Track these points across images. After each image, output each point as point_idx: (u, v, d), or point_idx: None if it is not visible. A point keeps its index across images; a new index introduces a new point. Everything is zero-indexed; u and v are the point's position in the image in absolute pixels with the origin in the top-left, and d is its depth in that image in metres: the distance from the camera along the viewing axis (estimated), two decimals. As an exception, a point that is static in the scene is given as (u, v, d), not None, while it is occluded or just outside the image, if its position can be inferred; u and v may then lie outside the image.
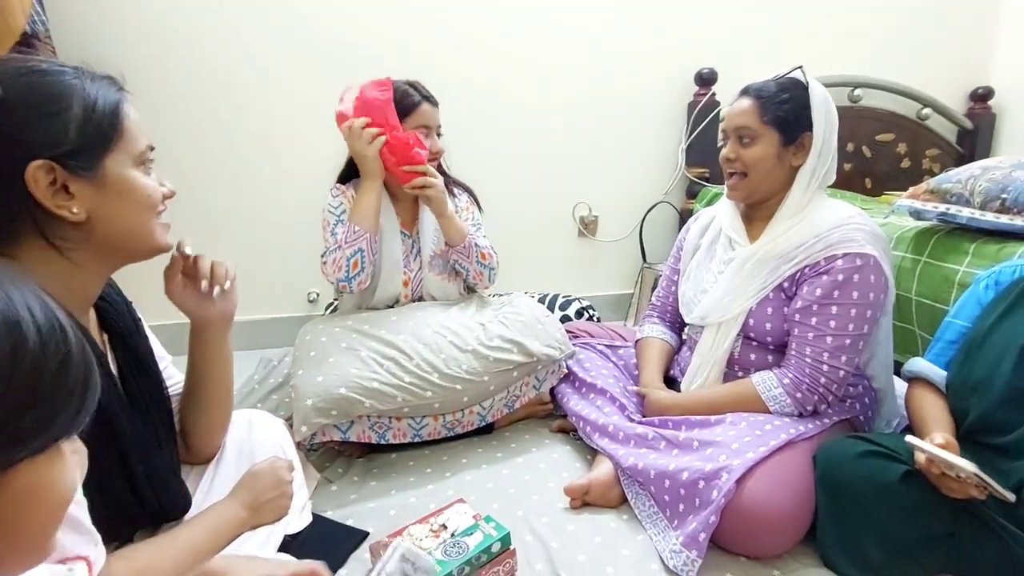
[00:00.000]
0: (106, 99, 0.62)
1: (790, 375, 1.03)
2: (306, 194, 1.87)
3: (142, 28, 1.68)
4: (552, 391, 1.39)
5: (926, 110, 2.36)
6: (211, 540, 0.73)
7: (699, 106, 2.13)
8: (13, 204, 0.58)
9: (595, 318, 1.69)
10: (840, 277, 1.00)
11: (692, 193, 2.23)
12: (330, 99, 1.81)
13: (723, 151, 1.14)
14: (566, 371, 1.38)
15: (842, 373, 1.01)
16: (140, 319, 0.79)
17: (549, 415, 1.43)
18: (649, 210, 2.27)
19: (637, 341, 1.38)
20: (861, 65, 2.28)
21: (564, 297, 1.71)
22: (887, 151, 2.38)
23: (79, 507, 0.52)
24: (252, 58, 1.78)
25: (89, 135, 0.60)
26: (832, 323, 1.00)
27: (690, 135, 2.18)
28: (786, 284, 1.07)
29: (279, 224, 1.92)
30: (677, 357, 1.34)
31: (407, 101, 1.33)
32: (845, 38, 2.30)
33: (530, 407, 1.40)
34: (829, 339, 1.00)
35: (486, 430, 1.35)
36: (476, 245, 1.39)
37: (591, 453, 1.21)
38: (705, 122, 2.14)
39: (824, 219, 1.05)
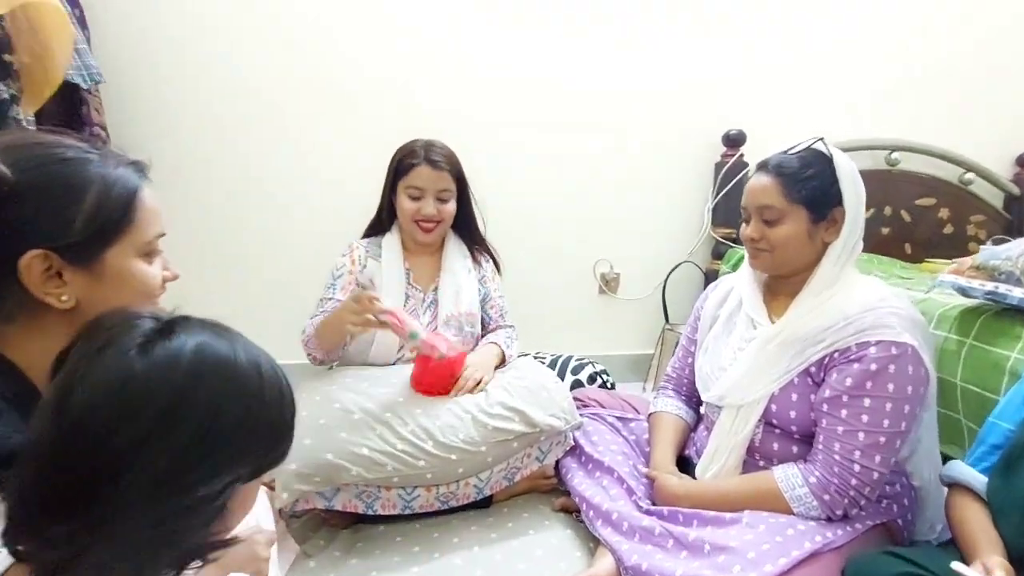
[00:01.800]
0: (122, 190, 0.61)
1: (817, 473, 0.92)
2: (321, 244, 1.87)
3: (189, 75, 1.75)
4: (557, 464, 1.30)
5: (969, 174, 2.25)
6: None
7: (726, 167, 2.08)
8: (1, 287, 0.56)
9: (609, 384, 1.60)
10: (873, 367, 0.90)
11: (718, 254, 2.15)
12: (354, 147, 1.87)
13: (746, 230, 1.06)
14: (572, 443, 1.29)
15: (876, 475, 0.90)
16: None
17: (553, 490, 1.33)
18: (673, 269, 2.20)
19: (650, 415, 1.29)
20: (899, 127, 2.20)
21: (577, 360, 1.63)
22: (928, 216, 2.26)
23: None
24: (289, 102, 1.83)
25: (96, 229, 0.59)
26: (865, 417, 0.90)
27: (717, 195, 2.12)
28: (813, 369, 0.97)
29: (292, 270, 1.92)
30: (693, 435, 1.24)
31: (406, 161, 1.34)
32: (881, 100, 2.23)
33: (532, 480, 1.31)
34: (861, 435, 0.90)
35: (483, 503, 1.26)
36: (510, 356, 1.41)
37: (594, 540, 1.11)
38: (732, 183, 2.08)
39: (854, 300, 0.96)
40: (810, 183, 0.98)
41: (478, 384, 1.25)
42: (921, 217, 2.26)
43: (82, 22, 1.61)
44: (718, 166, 2.13)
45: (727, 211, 2.12)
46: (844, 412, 0.91)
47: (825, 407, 0.94)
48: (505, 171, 2.00)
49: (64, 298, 0.58)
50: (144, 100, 1.74)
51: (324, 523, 1.19)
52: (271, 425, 0.52)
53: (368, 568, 1.05)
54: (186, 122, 1.77)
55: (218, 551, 0.50)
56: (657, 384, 2.06)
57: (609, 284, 2.20)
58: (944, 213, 2.26)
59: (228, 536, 0.53)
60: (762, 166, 1.04)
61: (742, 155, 2.09)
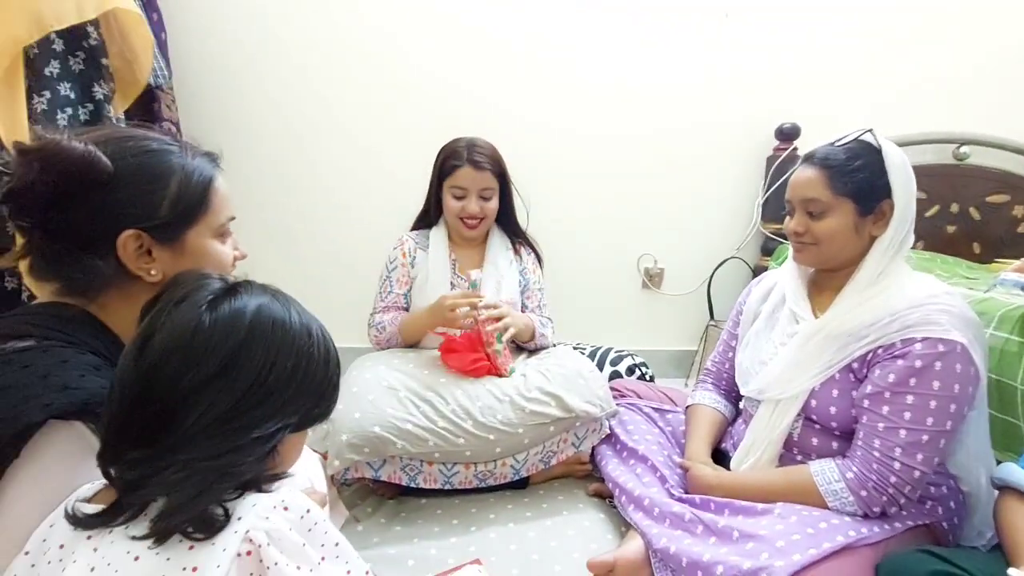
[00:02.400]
0: (200, 178, 0.70)
1: (854, 468, 0.91)
2: (375, 231, 1.97)
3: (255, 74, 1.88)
4: (592, 451, 1.33)
5: (1050, 171, 2.10)
6: None
7: (778, 161, 2.03)
8: (101, 262, 0.65)
9: (647, 376, 1.61)
10: (918, 363, 0.88)
11: (768, 250, 2.11)
12: (405, 142, 1.94)
13: (790, 223, 1.05)
14: (608, 431, 1.31)
15: (917, 474, 0.88)
16: None
17: (588, 475, 1.36)
18: (719, 265, 2.17)
19: (687, 407, 1.29)
20: (968, 120, 2.07)
21: (617, 352, 1.64)
22: (1000, 214, 2.13)
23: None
24: (344, 101, 1.92)
25: (179, 211, 0.67)
26: (907, 414, 0.88)
27: (768, 190, 2.07)
28: (855, 365, 0.96)
29: (348, 255, 2.02)
30: (731, 429, 1.24)
31: (449, 163, 1.39)
32: (948, 90, 2.11)
33: (568, 465, 1.35)
34: (903, 432, 0.88)
35: (520, 484, 1.31)
36: (542, 336, 1.46)
37: (625, 525, 1.13)
38: (784, 177, 2.02)
39: (902, 295, 0.94)
40: (857, 175, 0.96)
41: (499, 319, 1.30)
42: (992, 215, 2.13)
43: (160, 25, 1.75)
44: (770, 160, 2.08)
45: (778, 206, 2.06)
46: (886, 408, 0.90)
47: (866, 403, 0.92)
48: (551, 163, 2.02)
49: (153, 272, 0.67)
50: (213, 98, 1.87)
51: (371, 493, 1.26)
52: (318, 381, 0.59)
53: (411, 535, 1.12)
54: (251, 118, 1.89)
55: (271, 483, 0.57)
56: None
57: (653, 279, 2.20)
58: (1019, 211, 2.11)
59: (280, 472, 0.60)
60: (807, 158, 1.03)
61: (795, 149, 2.03)
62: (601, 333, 2.09)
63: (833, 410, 0.97)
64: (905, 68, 2.08)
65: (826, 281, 1.06)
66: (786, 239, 2.02)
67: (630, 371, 1.58)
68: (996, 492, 0.88)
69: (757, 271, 2.13)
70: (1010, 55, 2.10)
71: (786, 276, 1.15)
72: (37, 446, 0.54)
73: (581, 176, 2.07)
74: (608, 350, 1.64)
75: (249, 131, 1.90)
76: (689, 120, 2.07)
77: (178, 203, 0.67)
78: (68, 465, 0.55)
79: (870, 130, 0.99)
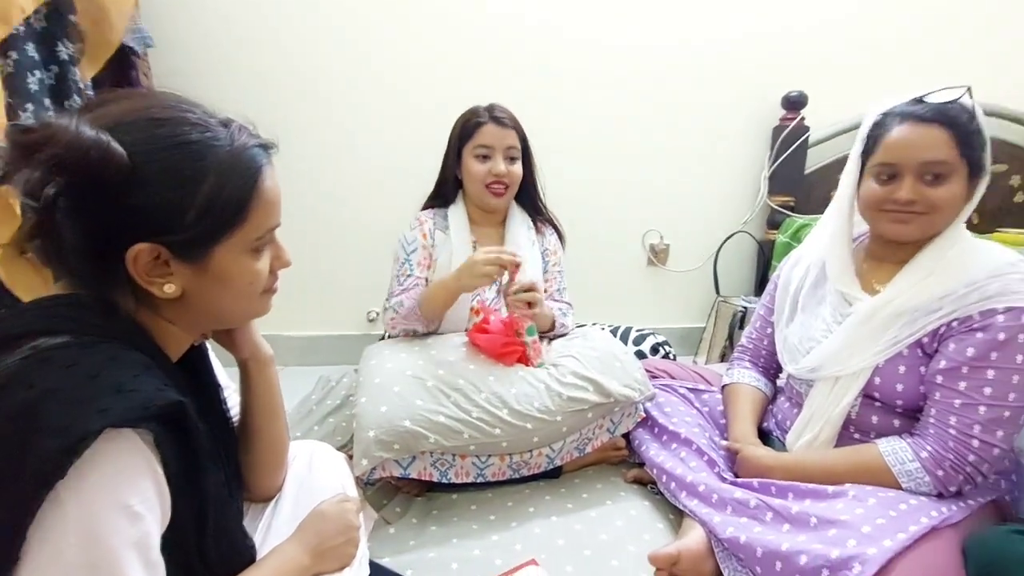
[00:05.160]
0: (239, 183, 0.55)
1: (929, 447, 0.87)
2: (371, 212, 1.85)
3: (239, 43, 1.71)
4: (627, 436, 1.27)
5: (1046, 140, 2.12)
6: None
7: (786, 131, 1.98)
8: (110, 272, 0.52)
9: (672, 355, 1.56)
10: (1001, 336, 0.83)
11: (774, 223, 2.07)
12: (404, 116, 1.81)
13: (894, 191, 0.91)
14: (643, 415, 1.25)
15: (996, 451, 0.84)
16: (206, 345, 0.73)
17: (622, 461, 1.30)
18: (726, 240, 2.13)
19: (724, 387, 1.24)
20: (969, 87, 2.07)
21: (638, 331, 1.58)
22: (997, 183, 2.14)
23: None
24: (331, 73, 1.78)
25: (206, 226, 0.53)
26: (987, 390, 0.84)
27: (774, 161, 2.03)
28: (925, 340, 0.91)
29: (342, 240, 1.89)
30: (772, 408, 1.19)
31: (472, 122, 1.30)
32: (948, 58, 2.09)
33: (602, 452, 1.28)
34: (982, 409, 0.84)
35: (553, 474, 1.24)
36: (562, 325, 1.38)
37: (673, 511, 1.08)
38: (792, 148, 1.99)
39: (977, 264, 0.88)
40: (977, 138, 0.88)
41: (528, 290, 1.20)
42: (990, 184, 2.14)
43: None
44: (776, 130, 2.03)
45: (785, 178, 2.03)
46: (963, 384, 0.86)
47: (939, 379, 0.88)
48: (550, 137, 1.91)
49: (167, 289, 0.54)
50: (190, 64, 1.70)
51: (396, 491, 1.17)
52: None
53: (448, 535, 1.04)
54: (231, 88, 1.73)
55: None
56: (710, 357, 2.02)
57: (658, 255, 2.14)
58: (1016, 180, 2.15)
59: None
60: (920, 118, 0.90)
61: (803, 119, 1.99)
62: (606, 311, 2.03)
63: (900, 387, 0.93)
64: (909, 35, 2.05)
65: (890, 254, 0.99)
66: (793, 212, 2.00)
67: (654, 350, 1.53)
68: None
69: (763, 245, 2.11)
70: (1009, 24, 2.09)
71: (828, 252, 1.06)
72: (88, 462, 0.43)
73: (583, 151, 1.98)
74: (628, 329, 1.58)
75: (229, 101, 1.73)
76: (693, 90, 2.00)
77: (206, 216, 0.53)
78: (121, 484, 0.45)
79: (968, 88, 0.91)
